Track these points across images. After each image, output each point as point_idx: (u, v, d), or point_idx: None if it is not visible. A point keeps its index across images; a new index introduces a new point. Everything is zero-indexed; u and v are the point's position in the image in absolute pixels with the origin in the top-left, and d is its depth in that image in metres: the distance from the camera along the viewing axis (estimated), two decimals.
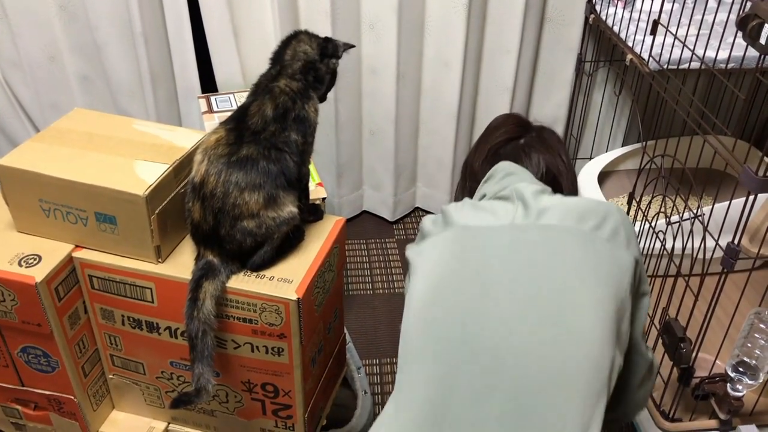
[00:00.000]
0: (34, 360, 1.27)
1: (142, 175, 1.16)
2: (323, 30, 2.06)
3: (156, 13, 2.04)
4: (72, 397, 1.31)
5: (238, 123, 1.18)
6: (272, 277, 1.18)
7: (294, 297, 1.14)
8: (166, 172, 1.18)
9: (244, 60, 2.16)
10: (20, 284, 1.15)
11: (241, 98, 2.11)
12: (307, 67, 1.24)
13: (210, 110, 2.05)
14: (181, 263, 1.21)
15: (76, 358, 1.28)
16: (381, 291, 2.17)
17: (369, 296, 2.14)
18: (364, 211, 2.47)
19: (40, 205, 1.20)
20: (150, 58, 2.07)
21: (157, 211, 1.16)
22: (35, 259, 1.19)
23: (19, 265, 1.18)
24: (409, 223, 2.45)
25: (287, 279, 1.18)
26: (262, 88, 1.22)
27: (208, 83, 2.20)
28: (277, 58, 1.25)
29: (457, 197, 1.24)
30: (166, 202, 1.18)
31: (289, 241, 1.22)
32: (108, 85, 2.15)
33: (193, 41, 2.10)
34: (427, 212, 2.49)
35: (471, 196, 1.17)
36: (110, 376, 1.37)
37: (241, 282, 1.17)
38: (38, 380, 1.31)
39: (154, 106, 2.16)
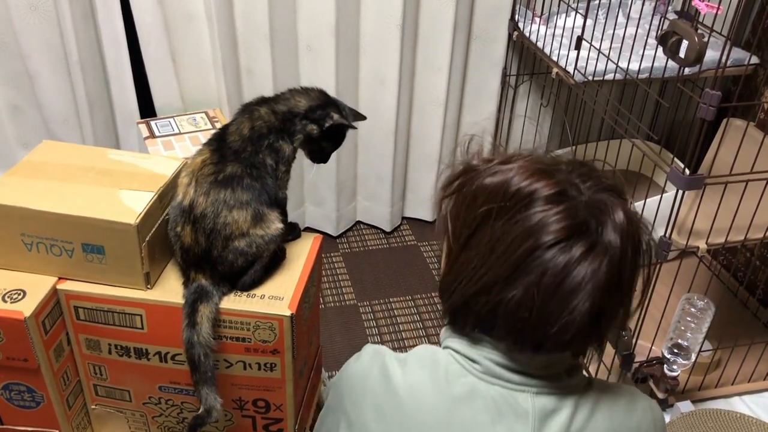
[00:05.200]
0: (17, 396, 1.26)
1: (130, 204, 1.18)
2: (263, 52, 2.11)
3: (92, 40, 2.02)
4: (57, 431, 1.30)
5: (219, 143, 1.22)
6: (263, 296, 1.22)
7: (288, 313, 1.19)
8: (152, 200, 1.20)
9: (182, 84, 2.17)
10: (8, 320, 1.14)
11: (182, 122, 2.12)
12: (287, 116, 1.25)
13: (152, 135, 2.04)
14: (169, 288, 1.24)
15: (61, 390, 1.27)
16: (332, 304, 2.22)
17: (321, 311, 2.19)
18: (307, 227, 2.52)
19: (22, 239, 1.19)
20: (87, 85, 2.04)
21: (147, 239, 1.18)
22: (19, 294, 1.18)
23: (3, 301, 1.17)
24: (351, 237, 2.51)
25: (278, 296, 1.22)
26: (245, 108, 1.26)
27: (147, 108, 2.19)
28: (279, 93, 1.29)
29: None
30: (154, 229, 1.20)
31: (275, 259, 1.26)
32: (41, 113, 2.11)
33: (131, 66, 2.09)
34: (369, 225, 2.56)
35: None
36: (92, 407, 1.36)
37: (234, 302, 1.21)
38: (20, 417, 1.28)
39: (91, 133, 2.13)
